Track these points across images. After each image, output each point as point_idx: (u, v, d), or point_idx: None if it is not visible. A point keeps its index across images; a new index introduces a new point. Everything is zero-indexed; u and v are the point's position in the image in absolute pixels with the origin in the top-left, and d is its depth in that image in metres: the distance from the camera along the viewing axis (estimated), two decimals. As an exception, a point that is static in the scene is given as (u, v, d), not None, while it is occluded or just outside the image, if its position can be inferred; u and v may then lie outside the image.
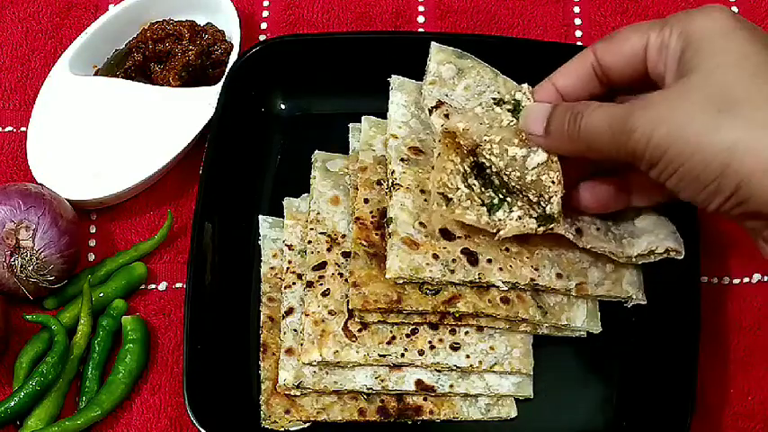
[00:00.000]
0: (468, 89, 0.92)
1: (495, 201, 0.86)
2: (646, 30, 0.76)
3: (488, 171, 0.87)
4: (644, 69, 0.77)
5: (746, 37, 0.71)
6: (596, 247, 0.85)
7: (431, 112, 0.89)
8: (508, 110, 0.84)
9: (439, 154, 0.86)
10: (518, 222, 0.84)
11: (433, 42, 0.94)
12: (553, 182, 0.82)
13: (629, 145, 0.72)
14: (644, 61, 0.77)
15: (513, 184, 0.84)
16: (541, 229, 0.84)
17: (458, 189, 0.85)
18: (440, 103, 0.89)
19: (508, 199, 0.86)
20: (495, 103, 0.85)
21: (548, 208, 0.84)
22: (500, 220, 0.85)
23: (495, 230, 0.84)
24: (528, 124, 0.81)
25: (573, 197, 0.84)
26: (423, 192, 0.88)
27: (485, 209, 0.85)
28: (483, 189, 0.86)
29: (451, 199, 0.84)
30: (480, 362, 0.86)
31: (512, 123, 0.83)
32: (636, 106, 0.72)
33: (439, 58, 0.93)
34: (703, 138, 0.68)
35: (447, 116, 0.88)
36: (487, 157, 0.85)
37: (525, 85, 0.85)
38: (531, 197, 0.84)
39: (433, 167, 0.86)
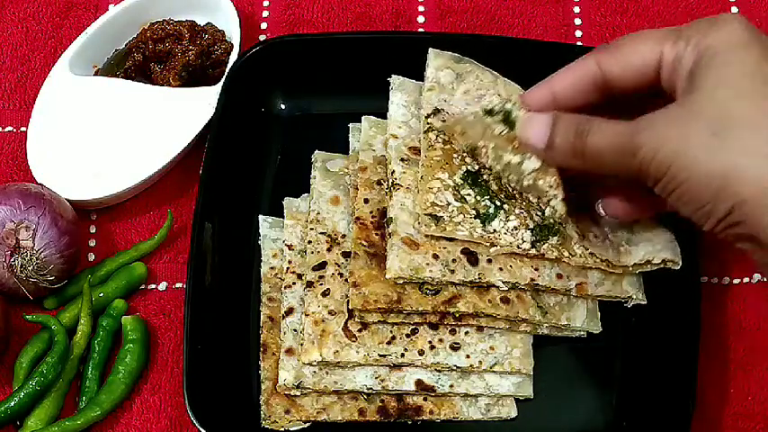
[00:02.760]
0: (468, 93, 0.92)
1: (491, 209, 0.86)
2: (659, 41, 0.75)
3: (485, 177, 0.87)
4: (655, 81, 0.76)
5: (758, 52, 0.71)
6: (597, 253, 0.86)
7: (428, 119, 0.89)
8: (499, 120, 0.83)
9: (422, 177, 0.86)
10: (512, 238, 0.85)
11: (430, 48, 0.94)
12: (551, 186, 0.82)
13: (635, 162, 0.72)
14: (656, 73, 0.76)
15: (513, 185, 0.85)
16: (533, 251, 0.85)
17: (449, 205, 0.86)
18: (436, 111, 0.90)
19: (505, 206, 0.86)
20: (485, 113, 0.84)
21: (547, 210, 0.84)
22: (495, 231, 0.85)
23: (488, 244, 0.85)
24: (529, 136, 0.80)
25: (597, 204, 0.84)
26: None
27: (478, 221, 0.86)
28: (479, 198, 0.86)
29: (441, 217, 0.85)
30: (480, 362, 0.86)
31: (503, 132, 0.83)
32: (641, 125, 0.72)
33: (437, 64, 0.93)
34: (701, 161, 0.69)
35: (444, 122, 0.89)
36: (484, 159, 0.85)
37: (515, 96, 0.84)
38: (531, 198, 0.85)
39: (417, 189, 0.87)
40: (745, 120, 0.68)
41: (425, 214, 0.85)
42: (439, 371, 0.87)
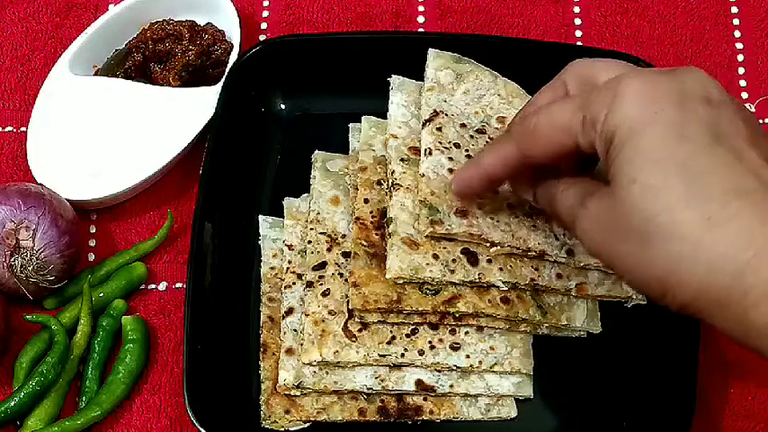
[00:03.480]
0: (468, 93, 0.92)
1: None
2: (568, 125, 0.71)
3: None
4: (580, 152, 0.73)
5: (662, 132, 0.67)
6: (589, 264, 0.86)
7: (424, 125, 0.89)
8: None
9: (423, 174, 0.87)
10: None
11: (430, 48, 0.94)
12: None
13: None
14: (578, 149, 0.72)
15: None
16: (532, 252, 0.84)
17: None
18: (434, 115, 0.89)
19: None
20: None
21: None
22: None
23: (488, 244, 0.85)
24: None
25: None
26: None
27: None
28: None
29: (439, 210, 0.85)
30: (480, 362, 0.86)
31: None
32: (577, 220, 0.72)
33: (436, 64, 0.94)
34: (637, 272, 0.68)
35: (440, 129, 0.88)
36: None
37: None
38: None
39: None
40: (668, 223, 0.65)
41: (425, 205, 0.85)
42: (439, 371, 0.87)
